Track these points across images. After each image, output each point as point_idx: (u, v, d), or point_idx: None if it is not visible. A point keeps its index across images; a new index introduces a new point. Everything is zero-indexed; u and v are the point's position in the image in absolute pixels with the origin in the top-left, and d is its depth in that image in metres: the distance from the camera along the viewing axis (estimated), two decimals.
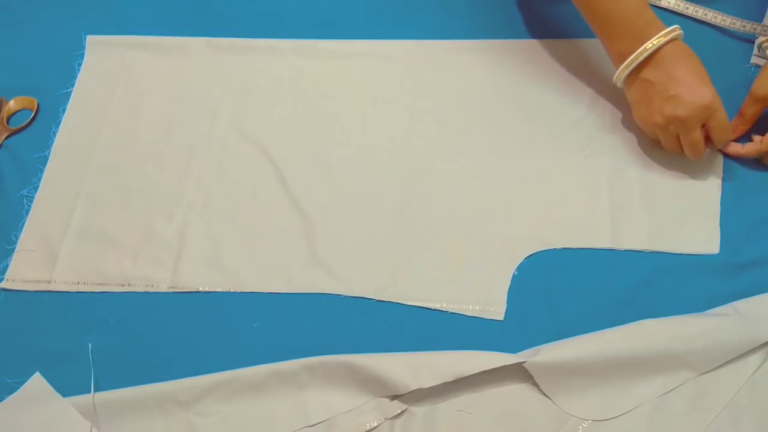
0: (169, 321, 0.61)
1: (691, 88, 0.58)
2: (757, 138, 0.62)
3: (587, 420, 0.54)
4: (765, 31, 0.68)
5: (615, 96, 0.68)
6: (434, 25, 0.75)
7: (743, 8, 0.71)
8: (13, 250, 0.65)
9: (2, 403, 0.57)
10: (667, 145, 0.62)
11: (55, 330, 0.61)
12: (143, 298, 0.62)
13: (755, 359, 0.54)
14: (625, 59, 0.60)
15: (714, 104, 0.58)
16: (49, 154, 0.70)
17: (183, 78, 0.74)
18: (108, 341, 0.60)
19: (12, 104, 0.73)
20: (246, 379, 0.56)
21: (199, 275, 0.62)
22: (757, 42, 0.67)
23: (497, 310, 0.59)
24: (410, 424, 0.54)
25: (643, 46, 0.59)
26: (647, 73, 0.60)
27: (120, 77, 0.74)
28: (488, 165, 0.66)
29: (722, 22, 0.71)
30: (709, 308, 0.57)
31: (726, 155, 0.64)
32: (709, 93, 0.58)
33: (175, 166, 0.68)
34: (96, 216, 0.66)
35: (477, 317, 0.59)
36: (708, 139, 0.61)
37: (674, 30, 0.59)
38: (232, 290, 0.62)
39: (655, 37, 0.58)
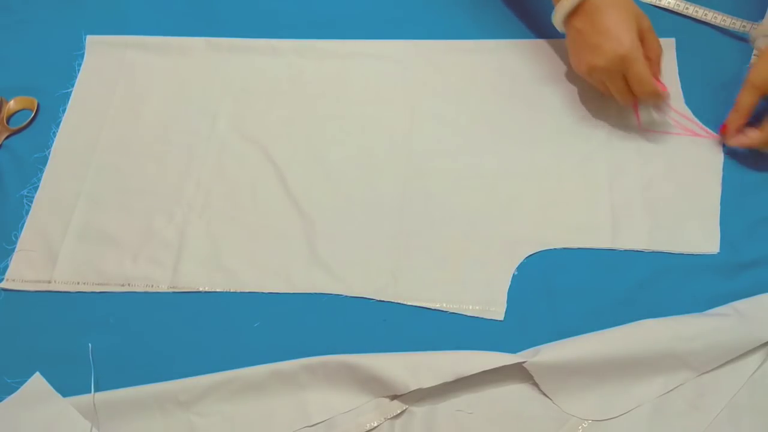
0: (169, 321, 0.61)
1: (610, 38, 0.59)
2: (751, 130, 0.61)
3: (587, 420, 0.54)
4: (765, 31, 0.68)
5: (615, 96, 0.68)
6: (434, 25, 0.75)
7: (742, 8, 0.71)
8: (13, 250, 0.65)
9: (2, 403, 0.57)
10: (601, 91, 0.64)
11: (55, 330, 0.61)
12: (143, 298, 0.62)
13: (755, 359, 0.54)
14: (560, 2, 0.61)
15: (630, 54, 0.58)
16: (49, 154, 0.70)
17: (183, 78, 0.74)
18: (108, 341, 0.60)
19: (12, 104, 0.73)
20: (246, 379, 0.56)
21: (199, 275, 0.62)
22: (750, 36, 0.67)
23: (497, 310, 0.59)
24: (410, 424, 0.54)
25: None
26: (577, 22, 0.61)
27: (120, 77, 0.74)
28: (488, 165, 0.66)
29: (722, 22, 0.71)
30: (709, 308, 0.57)
31: (729, 146, 0.64)
32: (626, 42, 0.58)
33: (175, 166, 0.68)
34: (96, 216, 0.66)
35: (477, 317, 0.59)
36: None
37: None
38: (232, 290, 0.62)
39: None
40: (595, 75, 0.62)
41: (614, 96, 0.63)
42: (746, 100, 0.61)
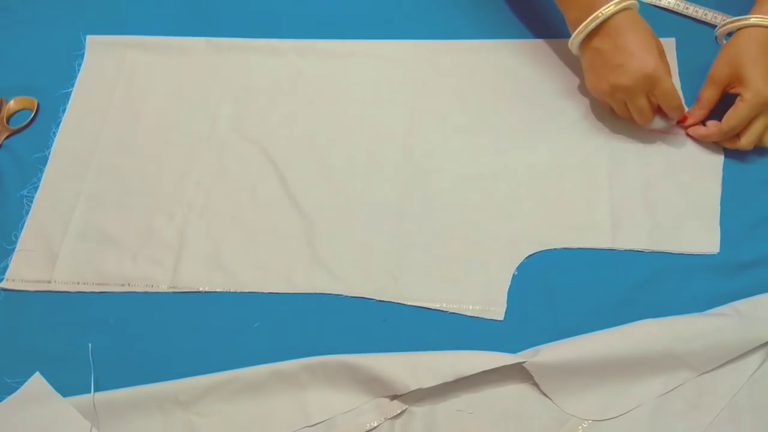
0: (169, 321, 0.61)
1: (635, 57, 0.59)
2: (712, 122, 0.63)
3: (587, 420, 0.54)
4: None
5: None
6: (434, 25, 0.75)
7: (742, 8, 0.71)
8: (13, 250, 0.65)
9: (2, 403, 0.57)
10: (618, 111, 0.64)
11: (55, 330, 0.61)
12: (143, 298, 0.62)
13: (755, 359, 0.54)
14: (578, 27, 0.62)
15: (656, 72, 0.59)
16: (49, 154, 0.70)
17: (183, 78, 0.74)
18: (108, 341, 0.60)
19: (12, 104, 0.73)
20: (246, 379, 0.56)
21: (199, 275, 0.62)
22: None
23: (497, 310, 0.59)
24: (410, 424, 0.54)
25: (594, 14, 0.60)
26: (597, 42, 0.62)
27: (120, 77, 0.74)
28: (488, 165, 0.66)
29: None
30: (709, 308, 0.57)
31: (691, 138, 0.65)
32: (651, 62, 0.59)
33: (175, 166, 0.68)
34: (96, 216, 0.66)
35: (477, 317, 0.59)
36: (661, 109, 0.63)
37: (627, 0, 0.60)
38: (232, 290, 0.62)
39: (606, 6, 0.60)
40: (617, 95, 0.62)
41: (633, 115, 0.63)
42: (707, 94, 0.63)
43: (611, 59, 0.61)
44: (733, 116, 0.60)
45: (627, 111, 0.64)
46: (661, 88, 0.61)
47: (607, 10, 0.60)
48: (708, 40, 0.71)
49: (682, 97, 0.65)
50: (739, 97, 0.60)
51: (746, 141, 0.61)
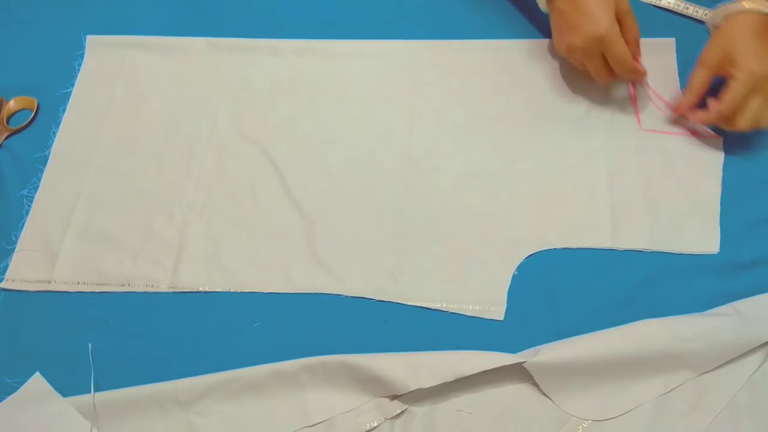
0: (169, 321, 0.61)
1: (589, 19, 0.61)
2: (712, 101, 0.62)
3: (587, 420, 0.54)
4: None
5: (615, 96, 0.68)
6: (434, 25, 0.75)
7: None
8: (13, 250, 0.65)
9: (2, 403, 0.57)
10: (579, 69, 0.67)
11: (55, 330, 0.61)
12: (143, 298, 0.62)
13: (755, 359, 0.54)
14: None
15: (609, 34, 0.61)
16: (49, 154, 0.70)
17: (183, 78, 0.74)
18: (108, 341, 0.60)
19: (12, 104, 0.73)
20: (246, 379, 0.56)
21: (199, 275, 0.62)
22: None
23: (497, 310, 0.59)
24: (410, 424, 0.54)
25: None
26: (559, 3, 0.64)
27: (120, 77, 0.74)
28: (488, 165, 0.66)
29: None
30: (709, 308, 0.57)
31: (692, 124, 0.65)
32: (604, 23, 0.61)
33: (175, 166, 0.68)
34: (96, 216, 0.66)
35: (477, 317, 0.59)
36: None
37: None
38: (232, 290, 0.62)
39: None
40: (573, 54, 0.65)
41: (592, 74, 0.65)
42: (697, 79, 0.63)
43: (570, 19, 0.63)
44: (729, 96, 0.60)
45: (586, 70, 0.66)
46: (612, 51, 0.62)
47: None
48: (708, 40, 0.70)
49: (682, 95, 0.65)
50: (732, 78, 0.60)
51: (744, 121, 0.61)
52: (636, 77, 0.65)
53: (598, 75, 0.65)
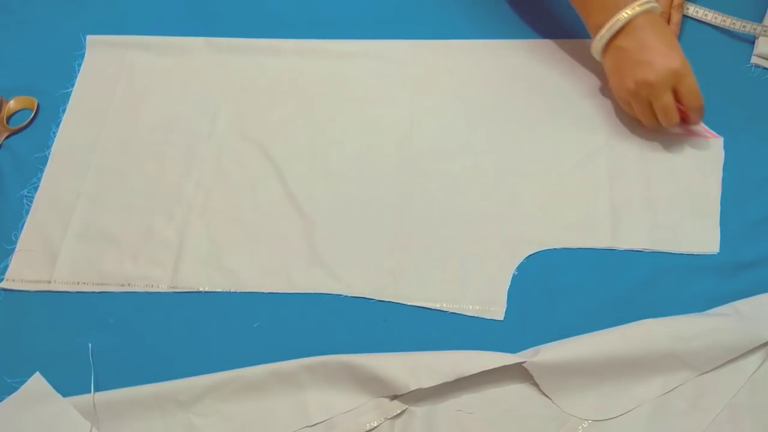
0: (169, 321, 0.61)
1: (660, 54, 0.60)
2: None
3: (587, 420, 0.54)
4: (765, 31, 0.68)
5: (615, 96, 0.68)
6: (434, 25, 0.75)
7: (743, 8, 0.71)
8: (13, 250, 0.65)
9: (2, 403, 0.57)
10: (641, 114, 0.64)
11: (55, 330, 0.61)
12: (143, 298, 0.62)
13: (755, 359, 0.54)
14: (601, 30, 0.62)
15: (683, 69, 0.60)
16: (49, 154, 0.70)
17: (183, 78, 0.74)
18: (108, 341, 0.60)
19: (12, 104, 0.73)
20: (246, 379, 0.56)
21: (199, 275, 0.62)
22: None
23: (497, 310, 0.59)
24: (410, 424, 0.54)
25: (616, 17, 0.61)
26: (621, 41, 0.62)
27: (120, 77, 0.74)
28: (488, 165, 0.66)
29: (722, 23, 0.71)
30: (709, 308, 0.57)
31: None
32: (677, 58, 0.60)
33: (175, 166, 0.68)
34: (96, 216, 0.66)
35: (477, 317, 0.59)
36: (684, 114, 0.62)
37: (649, 2, 0.61)
38: (232, 290, 0.62)
39: (629, 8, 0.60)
40: (642, 92, 0.61)
41: (657, 115, 0.62)
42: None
43: (637, 56, 0.61)
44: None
45: (650, 112, 0.63)
46: (686, 85, 0.60)
47: (631, 11, 0.60)
48: (708, 40, 0.71)
49: None
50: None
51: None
52: (700, 117, 0.63)
53: (667, 113, 0.61)
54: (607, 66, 0.65)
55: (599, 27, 0.62)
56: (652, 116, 0.63)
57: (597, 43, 0.63)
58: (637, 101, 0.63)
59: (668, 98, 0.61)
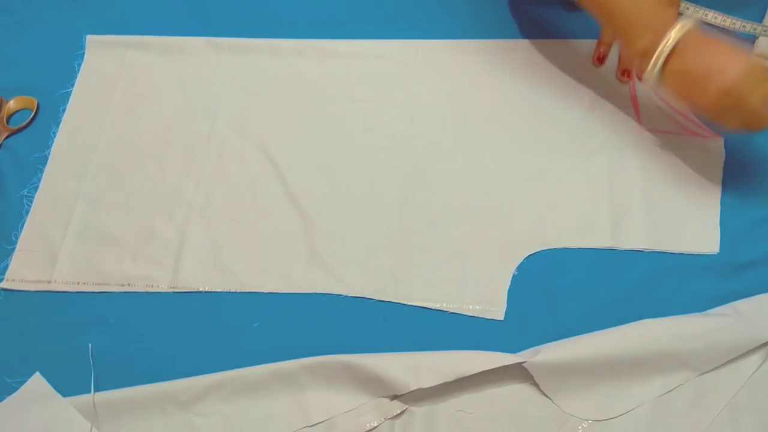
0: (169, 321, 0.61)
1: (728, 58, 0.56)
2: None
3: (587, 420, 0.54)
4: (765, 31, 0.68)
5: (615, 96, 0.68)
6: (434, 25, 0.75)
7: (743, 8, 0.71)
8: (13, 250, 0.65)
9: (2, 403, 0.57)
10: (730, 124, 0.58)
11: (55, 330, 0.61)
12: (143, 298, 0.62)
13: (755, 359, 0.54)
14: (650, 56, 0.57)
15: (758, 65, 0.55)
16: (49, 154, 0.70)
17: (183, 78, 0.74)
18: (108, 341, 0.60)
19: (12, 104, 0.73)
20: (246, 379, 0.56)
21: (199, 275, 0.62)
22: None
23: (497, 310, 0.59)
24: (410, 424, 0.54)
25: (666, 36, 0.56)
26: (675, 64, 0.57)
27: (120, 77, 0.74)
28: (488, 165, 0.66)
29: (722, 22, 0.70)
30: (709, 308, 0.57)
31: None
32: (745, 56, 0.56)
33: (175, 166, 0.68)
34: (96, 216, 0.66)
35: (477, 317, 0.59)
36: None
37: (692, 19, 0.57)
38: (232, 290, 0.62)
39: (675, 29, 0.56)
40: (725, 100, 0.56)
41: (750, 120, 0.57)
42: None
43: (704, 68, 0.56)
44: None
45: (739, 121, 0.57)
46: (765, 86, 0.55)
47: (678, 33, 0.56)
48: None
49: None
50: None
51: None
52: None
53: (757, 116, 0.56)
54: (671, 92, 0.60)
55: (649, 52, 0.58)
56: (743, 123, 0.57)
57: (653, 70, 0.58)
58: (722, 114, 0.57)
59: (755, 99, 0.55)
